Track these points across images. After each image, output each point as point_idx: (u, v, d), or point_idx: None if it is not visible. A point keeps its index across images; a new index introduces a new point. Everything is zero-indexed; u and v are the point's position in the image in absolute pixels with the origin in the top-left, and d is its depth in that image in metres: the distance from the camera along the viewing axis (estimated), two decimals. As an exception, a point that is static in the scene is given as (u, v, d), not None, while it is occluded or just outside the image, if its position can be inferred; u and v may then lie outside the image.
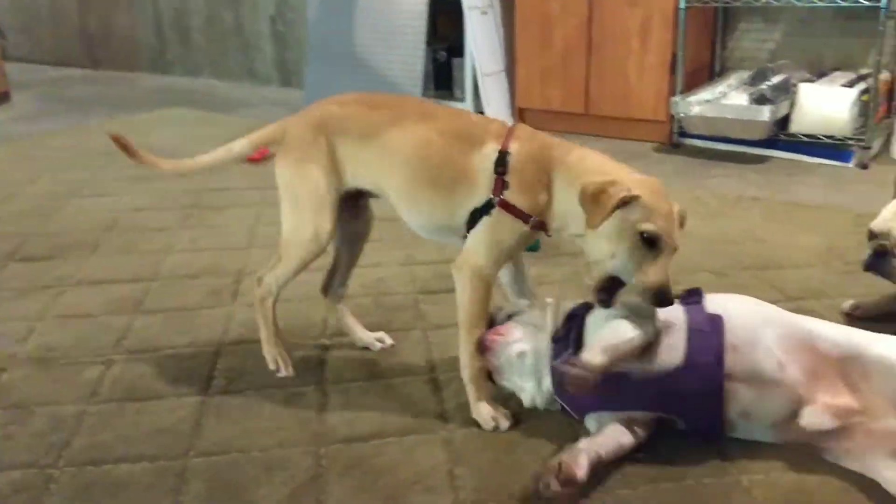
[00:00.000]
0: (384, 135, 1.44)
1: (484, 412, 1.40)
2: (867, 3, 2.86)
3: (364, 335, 1.68)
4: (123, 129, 3.71)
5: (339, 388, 1.50)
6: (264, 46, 5.13)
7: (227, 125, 3.86)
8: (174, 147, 3.43)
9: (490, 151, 1.37)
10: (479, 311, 1.38)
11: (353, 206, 1.57)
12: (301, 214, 1.48)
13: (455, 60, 3.90)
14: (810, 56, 3.36)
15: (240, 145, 1.55)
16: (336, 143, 1.47)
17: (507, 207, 1.35)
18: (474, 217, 1.38)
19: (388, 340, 1.69)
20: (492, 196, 1.35)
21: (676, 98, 3.14)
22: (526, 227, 1.35)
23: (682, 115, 3.13)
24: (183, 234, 2.36)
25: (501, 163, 1.36)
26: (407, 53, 3.73)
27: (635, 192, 1.25)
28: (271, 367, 1.57)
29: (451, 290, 1.90)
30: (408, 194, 1.44)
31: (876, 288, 1.78)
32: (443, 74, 4.00)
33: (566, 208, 1.33)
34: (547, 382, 1.38)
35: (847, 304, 1.78)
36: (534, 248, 2.08)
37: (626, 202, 1.25)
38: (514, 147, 1.37)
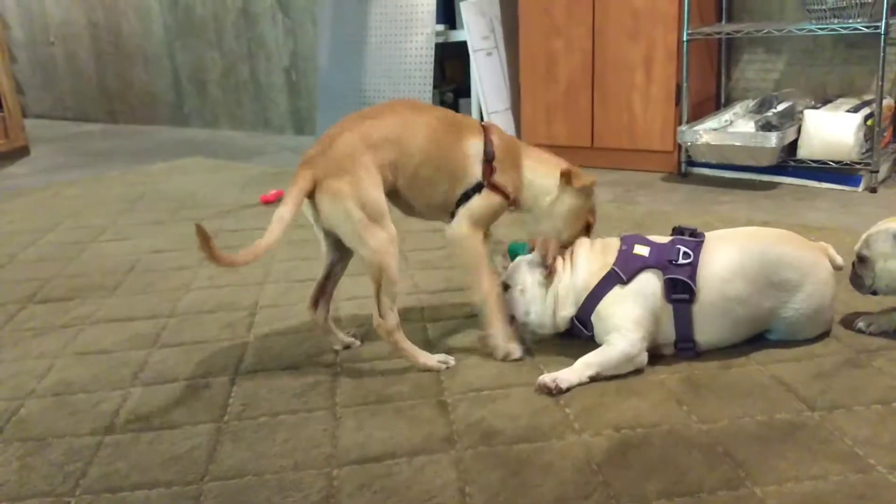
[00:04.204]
0: (403, 136, 1.64)
1: (503, 344, 1.69)
2: (867, 30, 2.90)
3: (343, 337, 1.82)
4: (141, 178, 3.85)
5: (351, 412, 1.52)
6: (278, 97, 5.25)
7: (241, 171, 3.95)
8: (191, 192, 3.52)
9: (477, 142, 1.69)
10: (481, 258, 1.70)
11: None
12: (374, 228, 1.57)
13: (462, 101, 3.98)
14: (814, 84, 3.40)
15: (286, 211, 1.55)
16: (374, 155, 1.60)
17: (495, 188, 1.69)
18: (463, 197, 1.68)
19: (358, 342, 1.83)
20: (481, 180, 1.68)
21: (683, 127, 3.17)
22: (505, 202, 1.71)
23: (689, 143, 3.16)
24: (200, 272, 2.40)
25: (489, 152, 1.68)
26: (415, 96, 3.81)
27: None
28: (441, 368, 1.68)
29: (458, 318, 1.94)
30: (426, 182, 1.67)
31: (884, 303, 1.78)
32: (452, 115, 4.06)
33: (532, 187, 1.74)
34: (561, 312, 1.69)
35: (860, 322, 1.77)
36: None
37: (591, 186, 1.73)
38: (495, 140, 1.70)
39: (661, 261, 1.62)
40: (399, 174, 1.63)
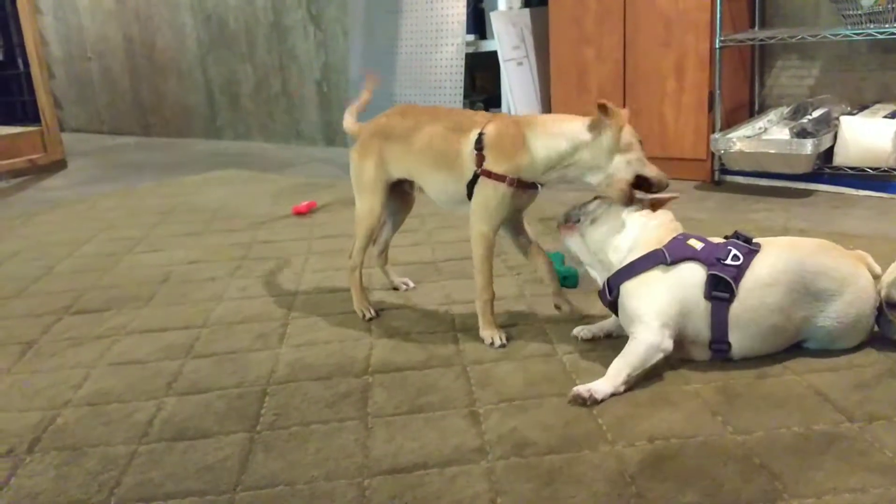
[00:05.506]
0: (412, 136, 1.89)
1: (487, 333, 1.84)
2: (904, 33, 2.85)
3: (395, 279, 2.26)
4: (175, 190, 3.90)
5: (382, 422, 1.52)
6: (310, 109, 5.29)
7: (274, 182, 3.99)
8: (224, 203, 3.56)
9: (473, 136, 1.80)
10: (485, 259, 1.82)
11: (400, 192, 2.07)
12: (362, 196, 1.99)
13: (492, 111, 3.97)
14: (850, 90, 3.35)
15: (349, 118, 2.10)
16: (383, 144, 1.95)
17: (488, 175, 1.75)
18: (470, 188, 1.80)
19: (411, 284, 2.26)
20: (476, 169, 1.77)
21: (716, 135, 3.14)
22: (506, 187, 1.75)
23: (722, 151, 3.13)
24: (233, 283, 2.42)
25: (479, 142, 1.77)
26: (446, 107, 3.81)
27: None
28: (360, 315, 2.05)
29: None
30: (429, 177, 1.89)
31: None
32: (482, 125, 4.06)
33: (547, 154, 1.71)
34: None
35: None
36: (572, 284, 2.12)
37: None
38: (488, 129, 1.78)
39: (710, 257, 1.63)
40: (403, 165, 1.92)
